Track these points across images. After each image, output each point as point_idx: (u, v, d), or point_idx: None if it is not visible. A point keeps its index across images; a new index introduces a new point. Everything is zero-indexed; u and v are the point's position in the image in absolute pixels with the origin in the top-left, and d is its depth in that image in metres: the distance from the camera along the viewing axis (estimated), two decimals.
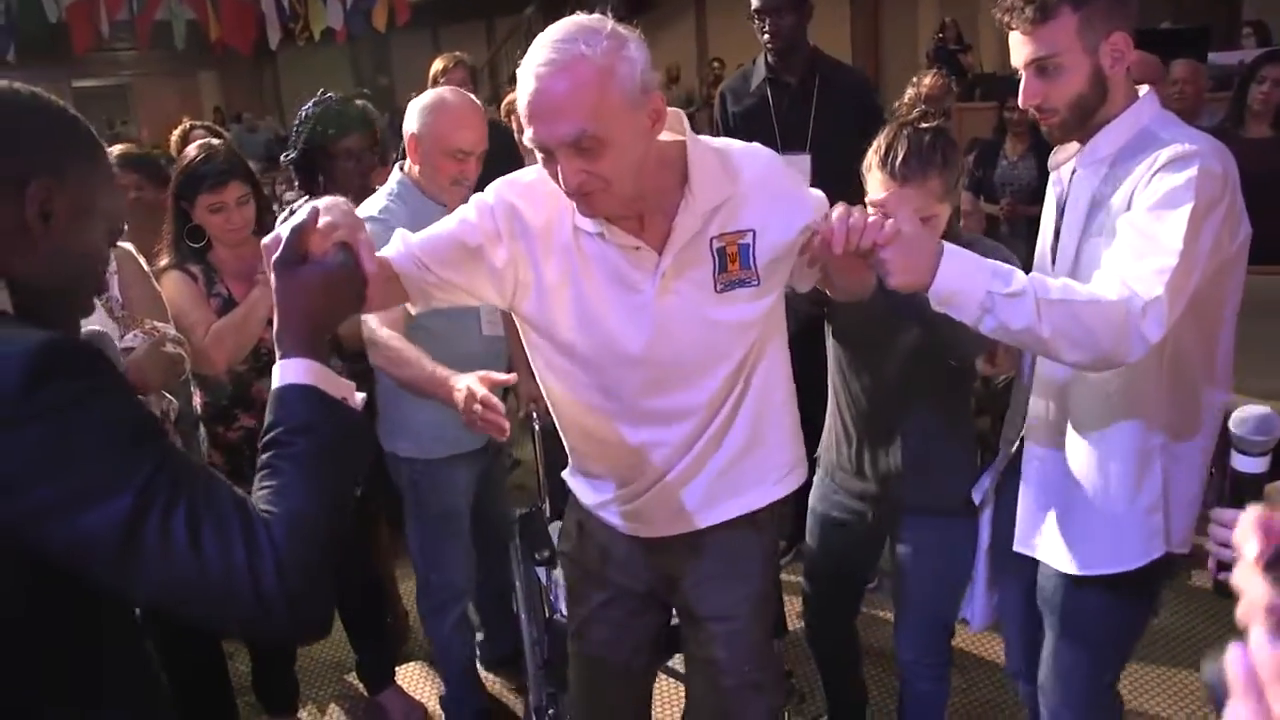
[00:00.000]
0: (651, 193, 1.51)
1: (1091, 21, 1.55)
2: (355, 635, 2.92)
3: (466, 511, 2.58)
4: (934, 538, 2.07)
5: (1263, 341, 3.45)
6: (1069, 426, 1.72)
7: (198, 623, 1.00)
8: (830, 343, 2.12)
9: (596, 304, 1.56)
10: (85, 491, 0.92)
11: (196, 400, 2.57)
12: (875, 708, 2.59)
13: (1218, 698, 0.83)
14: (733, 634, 1.75)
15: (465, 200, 2.36)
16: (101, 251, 1.14)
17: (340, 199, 1.33)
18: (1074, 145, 1.68)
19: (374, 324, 2.10)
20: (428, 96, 2.41)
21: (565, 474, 1.84)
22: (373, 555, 3.01)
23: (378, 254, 1.48)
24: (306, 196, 2.91)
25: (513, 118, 4.52)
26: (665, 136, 1.53)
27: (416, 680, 3.09)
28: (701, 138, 1.60)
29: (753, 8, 3.27)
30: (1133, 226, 1.51)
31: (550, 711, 2.37)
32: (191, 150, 2.50)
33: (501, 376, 1.91)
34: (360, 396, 1.15)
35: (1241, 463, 1.32)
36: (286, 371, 1.10)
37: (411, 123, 2.39)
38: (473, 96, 2.49)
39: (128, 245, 2.39)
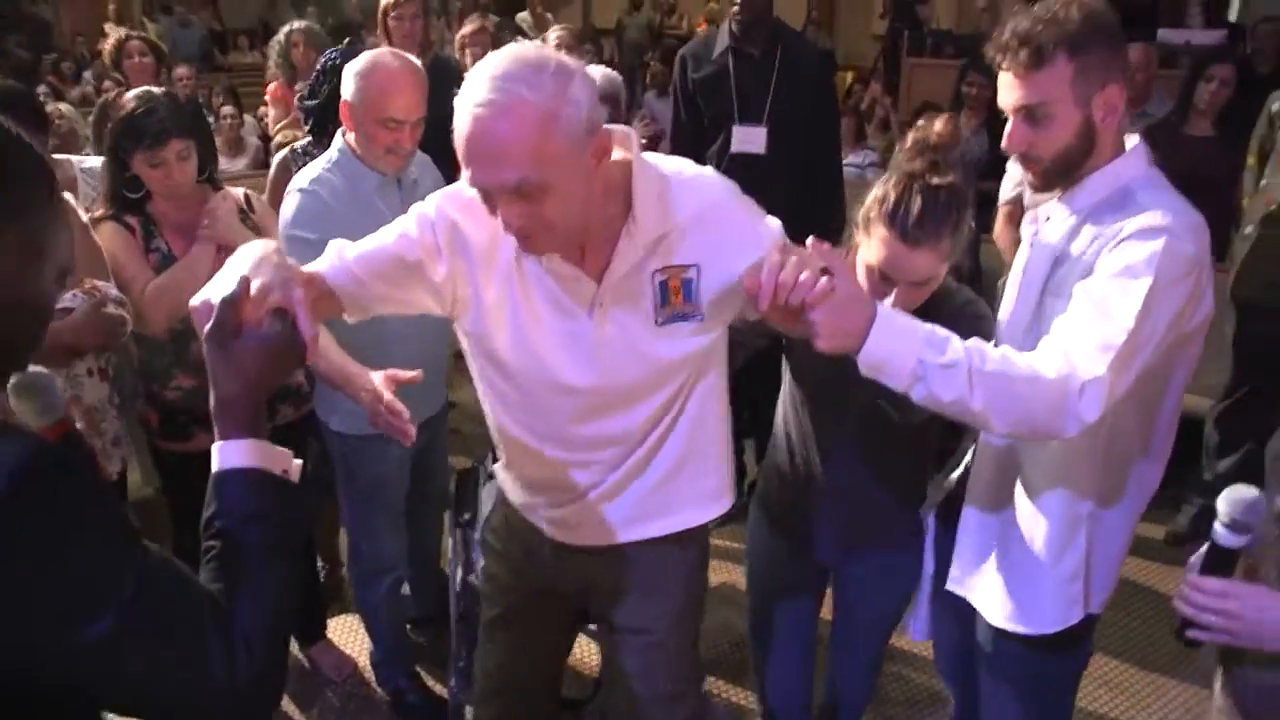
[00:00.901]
0: (594, 221, 1.44)
1: (1087, 72, 1.47)
2: None
3: (400, 484, 2.58)
4: (872, 573, 2.00)
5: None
6: (1004, 485, 1.72)
7: None
8: (786, 376, 2.02)
9: (534, 328, 1.52)
10: (66, 612, 0.90)
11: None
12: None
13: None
14: (649, 647, 1.77)
15: (402, 167, 2.37)
16: (49, 296, 1.07)
17: (272, 250, 1.28)
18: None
19: None
20: (362, 60, 2.29)
21: (496, 468, 1.82)
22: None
23: (309, 268, 1.47)
24: (309, 141, 2.90)
25: (466, 53, 4.47)
26: (615, 154, 1.46)
27: (348, 633, 3.11)
28: (650, 159, 1.52)
29: None
30: (1088, 296, 1.46)
31: (460, 664, 2.43)
32: (130, 100, 2.37)
33: (408, 375, 1.89)
34: (297, 463, 1.14)
35: (1224, 537, 1.36)
36: (228, 455, 1.08)
37: (346, 88, 2.29)
38: (412, 59, 2.37)
39: (68, 195, 2.31)
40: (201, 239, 2.39)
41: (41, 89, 7.33)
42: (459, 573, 2.42)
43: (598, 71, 3.00)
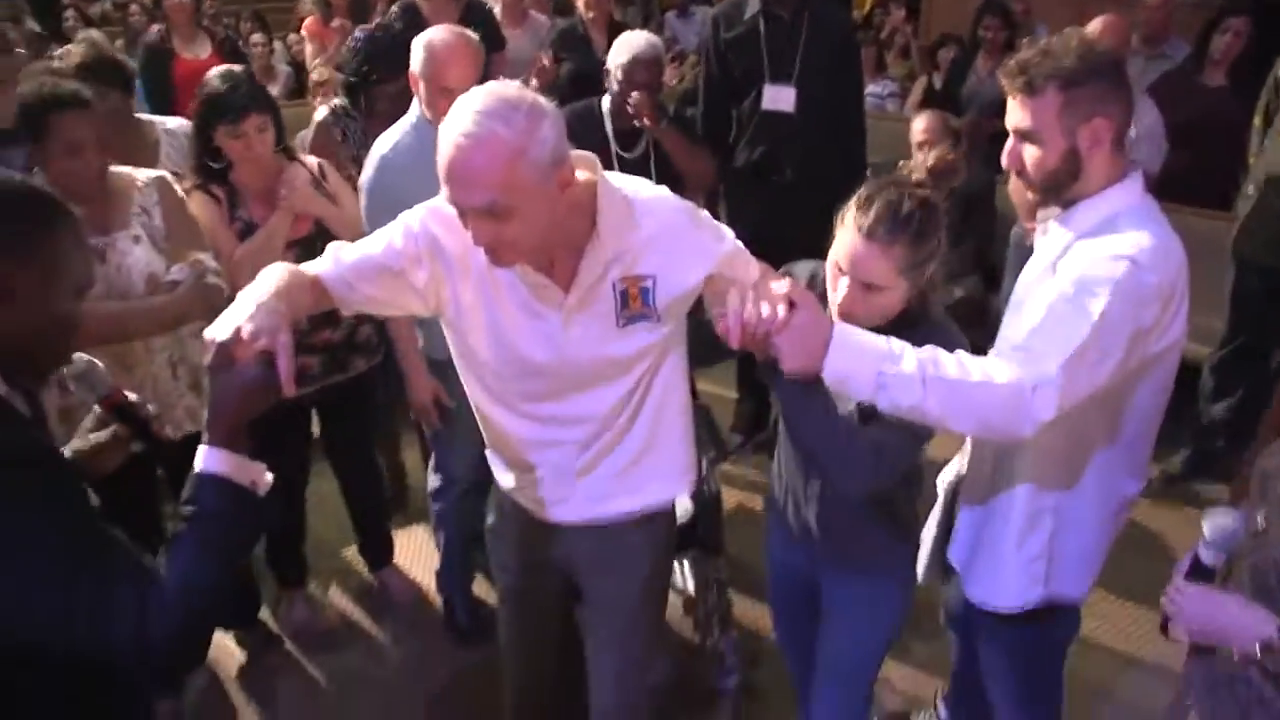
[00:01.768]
0: (561, 236, 1.61)
1: (1075, 104, 1.62)
2: (357, 519, 3.25)
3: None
4: (857, 599, 2.02)
5: (1196, 281, 3.82)
6: (989, 475, 1.92)
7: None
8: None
9: (508, 327, 1.69)
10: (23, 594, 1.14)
11: None
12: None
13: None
14: (616, 616, 1.97)
15: None
16: (69, 313, 1.29)
17: (269, 299, 1.44)
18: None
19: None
20: (425, 35, 2.52)
21: (487, 453, 1.99)
22: (375, 447, 3.28)
23: (311, 269, 1.67)
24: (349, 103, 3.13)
25: None
26: (580, 175, 1.61)
27: (419, 550, 3.43)
28: (612, 179, 1.68)
29: None
30: (1048, 305, 1.59)
31: None
32: (214, 79, 2.57)
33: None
34: (269, 477, 1.36)
35: (1204, 554, 1.56)
36: (209, 460, 1.30)
37: (414, 59, 2.52)
38: (467, 34, 2.57)
39: (165, 173, 2.52)
40: (281, 208, 2.62)
41: (68, 12, 7.38)
42: None
43: (640, 36, 3.16)
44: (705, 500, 2.60)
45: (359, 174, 2.68)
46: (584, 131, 3.06)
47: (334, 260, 1.70)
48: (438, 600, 3.16)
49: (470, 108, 1.46)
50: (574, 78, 4.29)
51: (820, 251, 1.80)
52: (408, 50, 2.56)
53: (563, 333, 1.68)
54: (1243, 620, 1.44)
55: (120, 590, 1.18)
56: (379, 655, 3.04)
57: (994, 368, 1.52)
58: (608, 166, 2.93)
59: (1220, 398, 3.76)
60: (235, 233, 2.61)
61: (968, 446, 2.11)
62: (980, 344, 2.05)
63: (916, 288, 1.70)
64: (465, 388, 1.86)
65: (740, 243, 1.82)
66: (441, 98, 2.46)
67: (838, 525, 1.94)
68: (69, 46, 3.01)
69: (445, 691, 2.88)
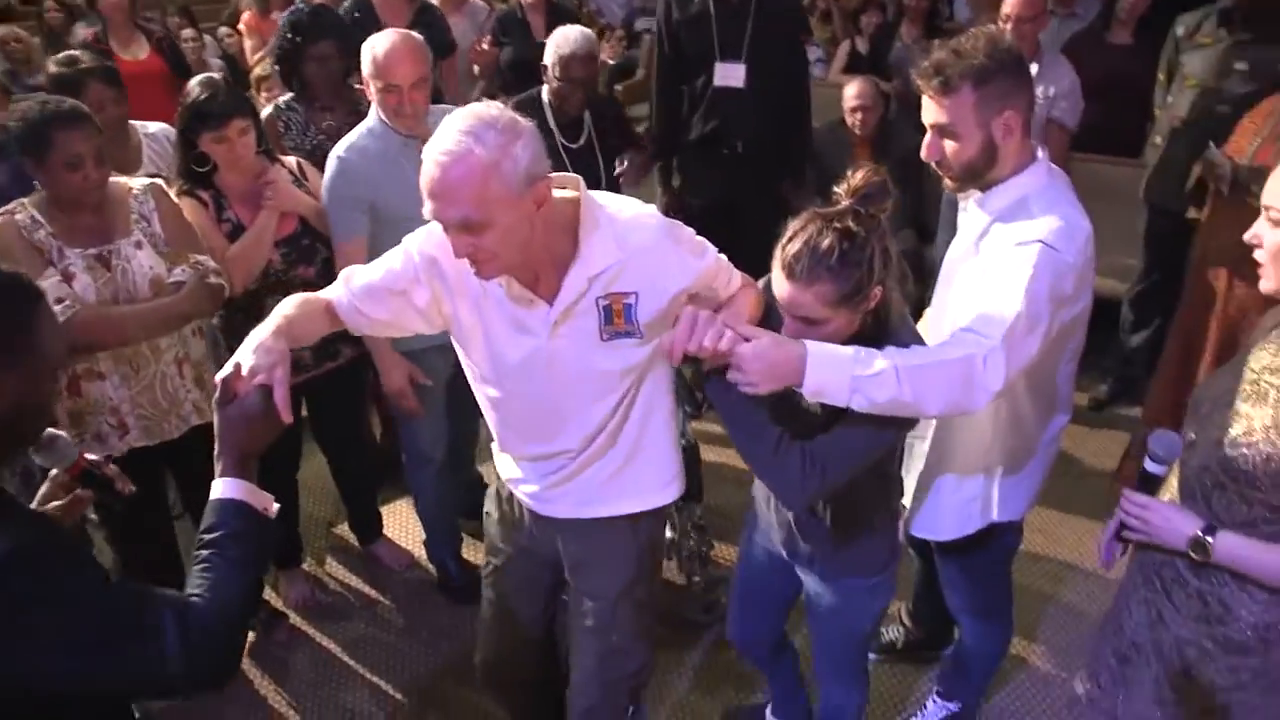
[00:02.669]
0: (544, 252, 1.69)
1: (988, 100, 1.79)
2: (346, 496, 3.42)
3: (441, 391, 2.99)
4: (837, 602, 2.10)
5: (1112, 224, 4.16)
6: (939, 437, 2.17)
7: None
8: None
9: (500, 341, 1.80)
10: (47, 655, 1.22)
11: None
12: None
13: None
14: (601, 610, 2.06)
15: (417, 127, 2.69)
16: (45, 397, 1.37)
17: (268, 339, 1.60)
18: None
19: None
20: (369, 40, 2.68)
21: (493, 446, 2.10)
22: (356, 422, 3.42)
23: (324, 295, 1.84)
24: (292, 97, 3.26)
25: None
26: (564, 193, 1.72)
27: (408, 522, 3.61)
28: (596, 198, 1.76)
29: None
30: (981, 290, 1.79)
31: None
32: (194, 88, 2.68)
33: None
34: (275, 506, 1.50)
35: (1150, 467, 1.73)
36: (226, 489, 1.44)
37: (363, 65, 2.69)
38: (409, 33, 2.73)
39: (158, 180, 2.64)
40: (266, 207, 2.75)
41: None
42: None
43: (574, 31, 3.30)
44: (684, 450, 2.82)
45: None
46: None
47: (345, 286, 1.84)
48: (431, 567, 3.35)
49: (453, 127, 1.56)
50: (513, 63, 4.44)
51: (769, 217, 1.87)
52: (329, 16, 2.80)
53: (548, 345, 1.77)
54: (1174, 521, 1.69)
55: (164, 625, 1.27)
56: (381, 621, 3.23)
57: (947, 347, 1.72)
58: (553, 157, 3.10)
59: (1139, 329, 4.11)
60: (225, 234, 2.74)
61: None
62: (919, 294, 2.28)
63: (860, 313, 1.72)
64: (475, 395, 1.99)
65: (723, 256, 1.88)
66: (390, 95, 2.66)
67: (813, 529, 2.01)
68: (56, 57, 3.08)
69: (450, 649, 3.07)
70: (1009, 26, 3.50)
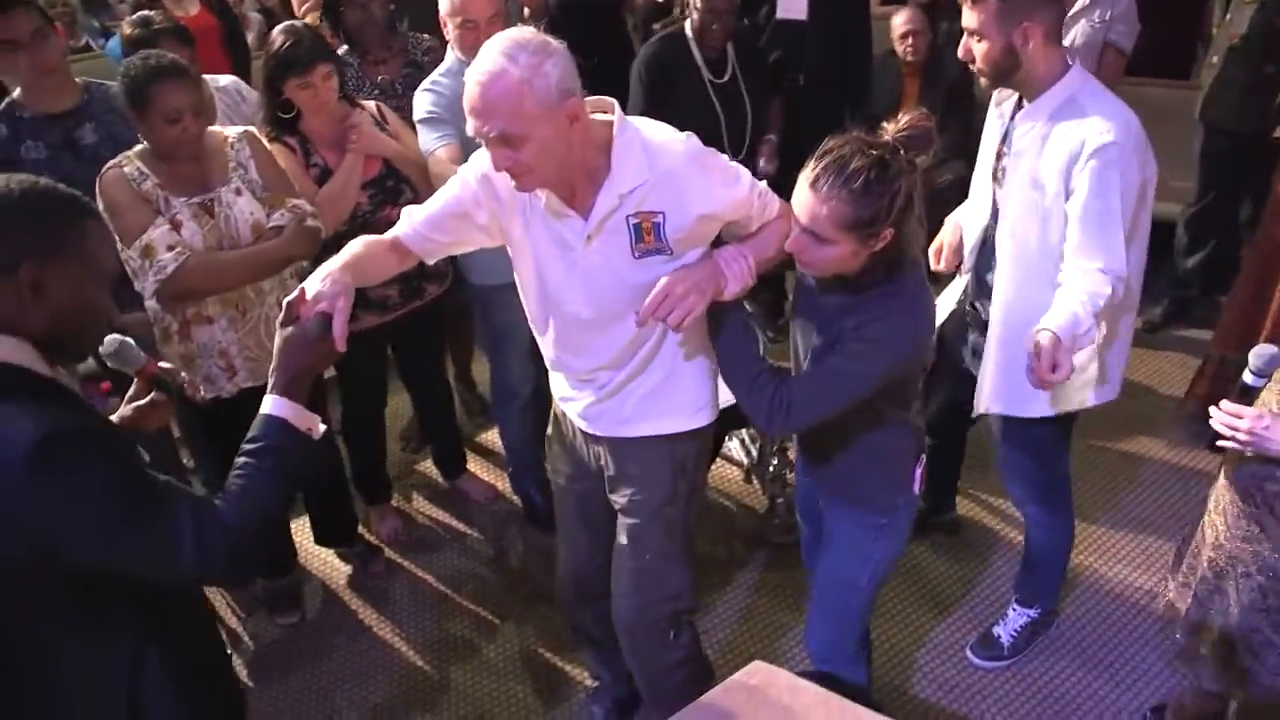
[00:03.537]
0: (580, 168, 1.78)
1: (1009, 11, 2.09)
2: (431, 433, 3.54)
3: (524, 326, 3.09)
4: (843, 532, 2.14)
5: (1164, 147, 4.18)
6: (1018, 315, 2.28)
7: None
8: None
9: (544, 256, 1.90)
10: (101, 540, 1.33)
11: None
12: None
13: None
14: (635, 526, 2.15)
15: None
16: (98, 302, 1.44)
17: (336, 271, 1.70)
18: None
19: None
20: None
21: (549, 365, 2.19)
22: (438, 364, 3.49)
23: (392, 234, 1.93)
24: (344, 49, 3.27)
25: None
26: (600, 117, 1.81)
27: (489, 456, 3.74)
28: (630, 122, 1.83)
29: None
30: (1078, 214, 2.10)
31: None
32: (278, 36, 2.74)
33: None
34: (322, 427, 1.56)
35: (1251, 379, 1.81)
36: (274, 405, 1.52)
37: (440, 3, 2.76)
38: None
39: (250, 128, 2.71)
40: (351, 150, 2.82)
41: None
42: None
43: None
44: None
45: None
46: (675, 58, 3.31)
47: (408, 221, 1.95)
48: (515, 499, 3.47)
49: (490, 49, 1.66)
50: (562, 3, 4.45)
51: None
52: None
53: (583, 260, 1.86)
54: (1275, 431, 1.76)
55: (181, 520, 1.36)
56: (471, 552, 3.36)
57: (1080, 285, 2.05)
58: (698, 92, 3.17)
59: (1194, 251, 4.14)
60: (313, 178, 2.81)
61: (956, 286, 2.59)
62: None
63: (868, 249, 1.76)
64: (526, 314, 2.09)
65: (762, 184, 1.94)
66: (466, 31, 2.73)
67: (826, 456, 2.09)
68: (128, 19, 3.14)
69: (540, 576, 3.19)
70: None
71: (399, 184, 2.92)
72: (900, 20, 4.17)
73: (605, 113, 1.83)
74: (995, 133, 2.37)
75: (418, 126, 2.85)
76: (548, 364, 2.17)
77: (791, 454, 3.16)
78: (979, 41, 2.16)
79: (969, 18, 2.16)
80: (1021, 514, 2.70)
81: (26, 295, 1.36)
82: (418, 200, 2.85)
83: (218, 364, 2.63)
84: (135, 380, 1.74)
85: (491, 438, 3.81)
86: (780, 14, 3.74)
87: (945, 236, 2.57)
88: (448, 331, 3.51)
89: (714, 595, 3.06)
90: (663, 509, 2.13)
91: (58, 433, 1.29)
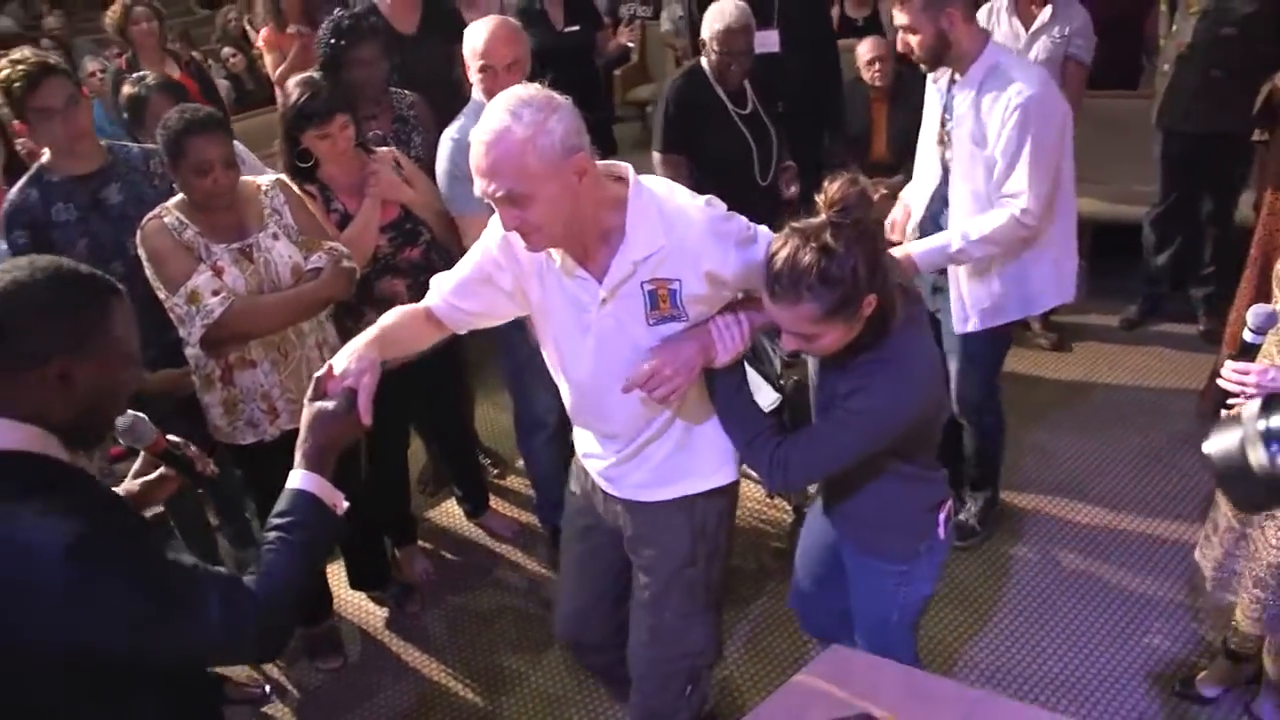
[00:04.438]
0: (591, 226, 1.76)
1: (932, 3, 2.53)
2: (455, 471, 3.59)
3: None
4: (863, 575, 2.13)
5: (1126, 153, 4.40)
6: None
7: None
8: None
9: (561, 319, 1.90)
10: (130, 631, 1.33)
11: None
12: None
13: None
14: (654, 587, 2.12)
15: None
16: (121, 384, 1.47)
17: (362, 347, 1.74)
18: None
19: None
20: (471, 25, 2.85)
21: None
22: (460, 409, 3.58)
23: (420, 305, 1.97)
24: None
25: None
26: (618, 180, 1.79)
27: (510, 493, 3.79)
28: (646, 184, 1.81)
29: None
30: (1001, 157, 2.56)
31: None
32: (294, 88, 2.82)
33: None
34: (345, 505, 1.59)
35: (1250, 337, 1.90)
36: (305, 480, 1.55)
37: (464, 48, 2.85)
38: (507, 19, 2.90)
39: (280, 175, 2.78)
40: (370, 196, 2.89)
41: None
42: None
43: (730, 5, 3.39)
44: (784, 390, 3.00)
45: None
46: (698, 92, 3.44)
47: (437, 291, 1.98)
48: (542, 531, 3.50)
49: (495, 108, 1.66)
50: (534, 52, 4.59)
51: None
52: (370, 21, 3.09)
53: (597, 324, 1.84)
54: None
55: (210, 606, 1.36)
56: (505, 585, 3.39)
57: (990, 219, 2.60)
58: (726, 123, 3.24)
59: (1162, 249, 4.35)
60: (334, 222, 2.87)
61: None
62: None
63: (860, 320, 1.74)
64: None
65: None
66: (485, 75, 2.81)
67: (841, 503, 2.08)
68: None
69: None
70: None
71: (416, 226, 3.00)
72: (864, 49, 4.39)
73: (620, 175, 1.82)
74: (936, 106, 2.82)
75: (442, 184, 2.90)
76: (571, 419, 2.17)
77: None
78: (914, 35, 2.59)
79: (900, 17, 2.60)
80: (970, 424, 3.10)
81: (54, 385, 1.36)
82: (435, 241, 2.99)
83: (260, 407, 2.66)
84: (141, 455, 1.75)
85: (507, 481, 3.87)
86: (756, 49, 3.90)
87: (896, 214, 2.94)
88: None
89: (745, 607, 3.13)
90: (682, 571, 2.10)
91: (86, 534, 1.30)
